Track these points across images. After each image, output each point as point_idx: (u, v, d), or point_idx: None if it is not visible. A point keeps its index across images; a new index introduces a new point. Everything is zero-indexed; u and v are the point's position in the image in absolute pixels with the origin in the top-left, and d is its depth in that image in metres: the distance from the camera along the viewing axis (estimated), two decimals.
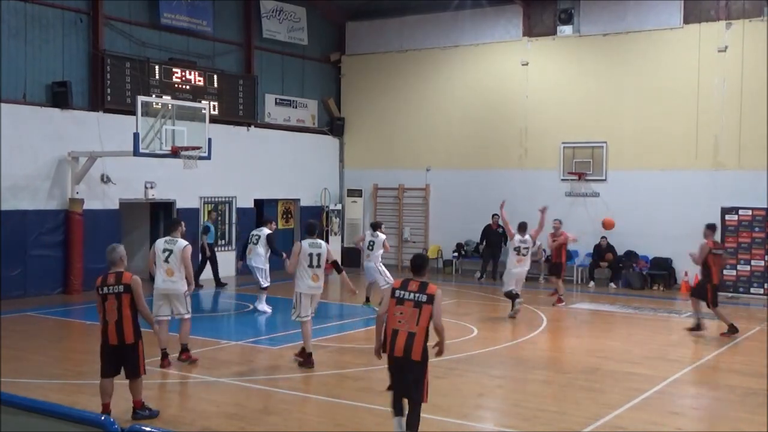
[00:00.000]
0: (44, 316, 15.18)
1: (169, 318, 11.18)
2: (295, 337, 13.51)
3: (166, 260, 10.91)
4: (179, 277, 10.93)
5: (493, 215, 21.94)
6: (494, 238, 22.19)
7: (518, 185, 22.81)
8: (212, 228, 20.07)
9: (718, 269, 14.24)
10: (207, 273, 19.95)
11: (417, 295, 7.23)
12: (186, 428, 8.24)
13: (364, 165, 25.53)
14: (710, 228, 14.28)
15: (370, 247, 16.12)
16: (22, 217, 17.27)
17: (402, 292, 7.29)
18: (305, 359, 11.08)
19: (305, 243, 11.11)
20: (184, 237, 11.27)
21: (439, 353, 7.53)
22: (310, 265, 11.11)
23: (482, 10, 23.24)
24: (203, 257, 19.73)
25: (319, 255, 11.17)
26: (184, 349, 11.26)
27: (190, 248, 11.02)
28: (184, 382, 10.39)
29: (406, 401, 7.33)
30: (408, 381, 7.23)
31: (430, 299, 7.20)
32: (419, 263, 7.55)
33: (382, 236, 16.22)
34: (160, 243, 11.17)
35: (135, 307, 8.46)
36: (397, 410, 7.41)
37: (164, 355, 10.92)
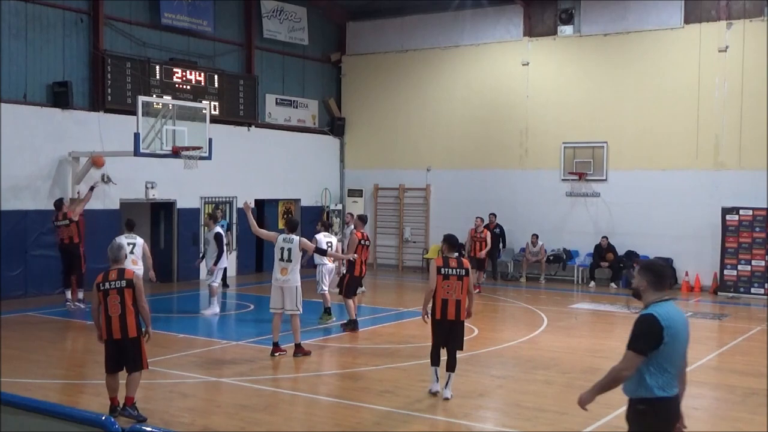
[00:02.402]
0: (44, 316, 15.19)
1: None
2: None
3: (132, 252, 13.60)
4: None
5: (490, 214, 21.89)
6: (491, 237, 22.10)
7: (519, 185, 22.82)
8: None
9: None
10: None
11: (458, 270, 9.54)
12: (186, 428, 8.24)
13: (364, 165, 25.53)
14: None
15: (329, 247, 15.79)
16: (23, 217, 17.28)
17: (446, 270, 9.53)
18: (275, 348, 11.68)
19: (280, 237, 11.87)
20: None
21: (470, 315, 9.64)
22: (281, 259, 11.68)
23: (483, 10, 23.23)
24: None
25: (289, 250, 11.68)
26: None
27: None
28: (184, 382, 10.38)
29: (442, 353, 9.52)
30: (456, 335, 9.46)
31: (467, 272, 9.62)
32: (454, 241, 10.07)
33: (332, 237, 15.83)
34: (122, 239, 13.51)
35: (136, 303, 8.47)
36: (436, 360, 9.56)
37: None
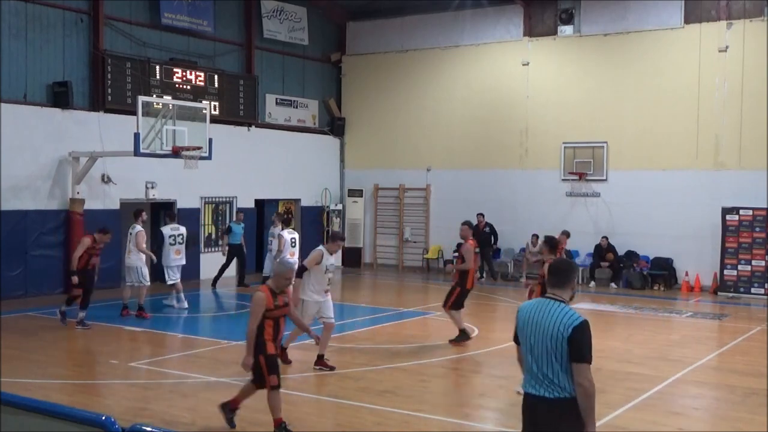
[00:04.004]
0: (44, 316, 15.18)
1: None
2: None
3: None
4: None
5: (477, 214, 21.93)
6: (482, 237, 22.13)
7: (519, 185, 22.82)
8: (236, 228, 19.55)
9: None
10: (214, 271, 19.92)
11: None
12: (186, 428, 8.24)
13: (364, 165, 25.52)
14: None
15: (293, 244, 16.46)
16: (23, 217, 17.28)
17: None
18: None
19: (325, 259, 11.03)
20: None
21: None
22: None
23: (483, 10, 23.23)
24: (227, 257, 19.50)
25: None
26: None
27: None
28: (184, 382, 10.38)
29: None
30: None
31: None
32: (555, 243, 10.52)
33: (295, 234, 16.78)
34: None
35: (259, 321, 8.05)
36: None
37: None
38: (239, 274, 19.99)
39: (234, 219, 20.31)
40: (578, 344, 4.99)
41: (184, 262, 16.37)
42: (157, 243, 17.13)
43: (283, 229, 16.98)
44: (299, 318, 9.17)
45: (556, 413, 5.12)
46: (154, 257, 15.50)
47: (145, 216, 15.86)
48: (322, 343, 10.70)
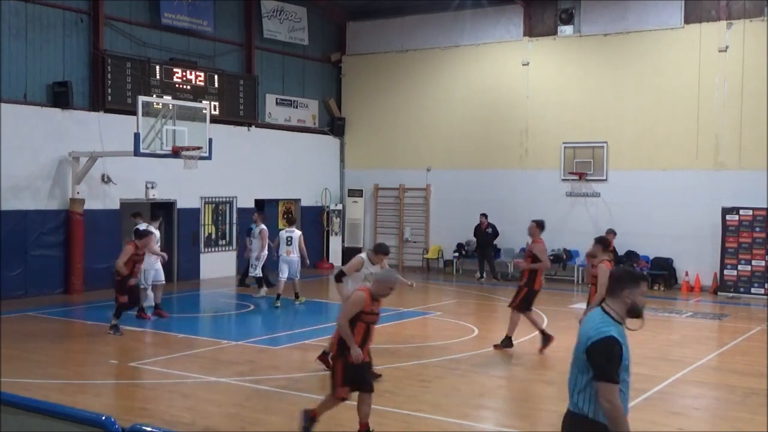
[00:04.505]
0: (45, 316, 15.18)
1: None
2: (296, 336, 13.53)
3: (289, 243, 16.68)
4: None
5: (481, 215, 21.98)
6: (484, 237, 22.17)
7: (519, 185, 22.82)
8: (255, 229, 19.20)
9: None
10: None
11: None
12: (186, 428, 8.23)
13: (364, 165, 25.52)
14: None
15: (289, 243, 16.90)
16: (23, 217, 17.28)
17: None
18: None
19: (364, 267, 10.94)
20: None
21: None
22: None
23: (483, 10, 23.23)
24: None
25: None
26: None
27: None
28: (184, 382, 10.38)
29: None
30: None
31: None
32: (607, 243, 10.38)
33: (298, 232, 17.23)
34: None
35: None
36: None
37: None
38: (245, 274, 19.69)
39: (253, 220, 19.88)
40: (595, 360, 4.68)
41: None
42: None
43: (283, 228, 17.53)
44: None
45: (571, 429, 4.86)
46: (165, 255, 15.44)
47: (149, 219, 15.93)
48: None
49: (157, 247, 15.31)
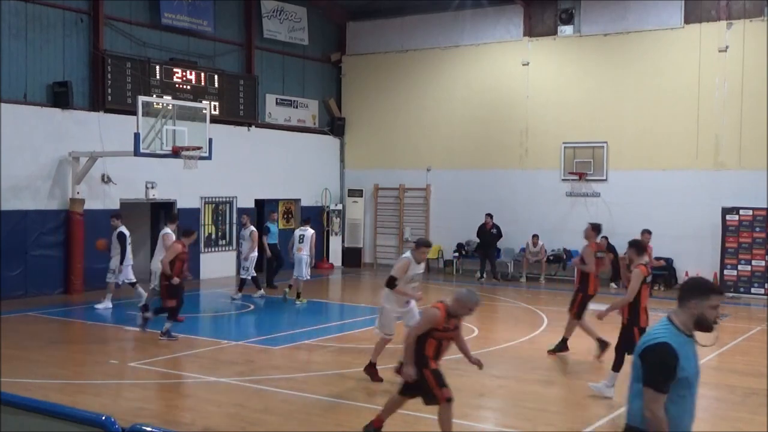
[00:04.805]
0: (45, 316, 15.18)
1: None
2: (296, 336, 13.53)
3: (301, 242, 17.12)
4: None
5: (486, 215, 21.99)
6: (488, 237, 22.16)
7: (519, 185, 22.82)
8: (272, 228, 19.36)
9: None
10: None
11: (649, 277, 9.66)
12: (186, 428, 8.23)
13: (364, 165, 25.52)
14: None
15: (301, 240, 17.17)
16: (23, 217, 17.27)
17: (649, 278, 9.65)
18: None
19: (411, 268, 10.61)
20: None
21: None
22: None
23: (483, 10, 23.22)
24: (268, 259, 19.36)
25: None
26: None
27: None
28: (184, 382, 10.38)
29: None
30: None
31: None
32: (643, 246, 10.05)
33: (311, 231, 17.45)
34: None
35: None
36: (617, 367, 9.48)
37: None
38: (270, 276, 19.51)
39: (269, 219, 19.75)
40: (646, 365, 4.47)
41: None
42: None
43: (298, 227, 18.21)
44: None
45: None
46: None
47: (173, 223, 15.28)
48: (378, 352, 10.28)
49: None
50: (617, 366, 9.52)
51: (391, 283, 10.14)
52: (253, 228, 17.93)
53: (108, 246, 16.11)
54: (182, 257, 12.92)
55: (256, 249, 17.76)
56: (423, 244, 10.42)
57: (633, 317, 9.48)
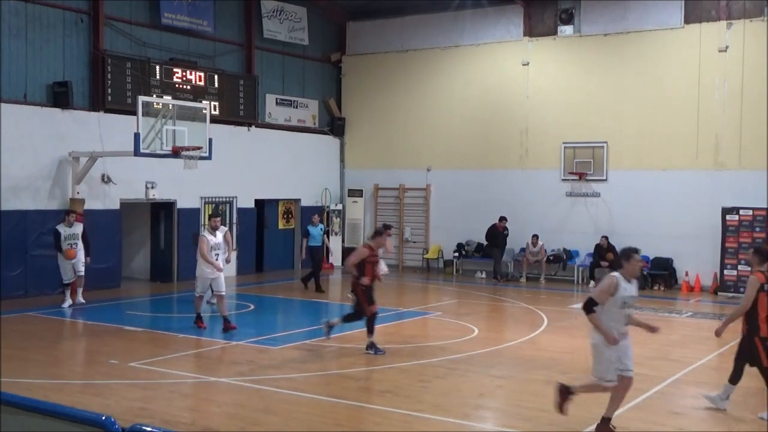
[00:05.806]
0: (45, 316, 15.18)
1: None
2: (296, 336, 13.53)
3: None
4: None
5: (500, 217, 21.97)
6: (498, 239, 22.11)
7: (519, 185, 22.82)
8: (313, 231, 19.32)
9: None
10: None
11: None
12: (186, 428, 8.23)
13: (364, 165, 25.53)
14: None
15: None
16: (23, 217, 17.27)
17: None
18: None
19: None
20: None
21: None
22: None
23: (483, 10, 23.23)
24: (311, 260, 19.28)
25: None
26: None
27: None
28: (184, 382, 10.38)
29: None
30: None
31: None
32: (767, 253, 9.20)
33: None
34: None
35: None
36: (735, 379, 9.21)
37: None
38: (317, 280, 19.20)
39: (310, 222, 19.75)
40: None
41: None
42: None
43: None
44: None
45: None
46: (219, 265, 13.97)
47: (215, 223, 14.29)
48: (614, 404, 8.26)
49: (212, 254, 13.86)
50: (735, 378, 9.16)
51: (590, 306, 8.11)
52: (225, 228, 16.93)
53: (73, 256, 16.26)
54: (372, 260, 12.10)
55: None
56: (632, 252, 8.21)
57: (752, 327, 8.95)
